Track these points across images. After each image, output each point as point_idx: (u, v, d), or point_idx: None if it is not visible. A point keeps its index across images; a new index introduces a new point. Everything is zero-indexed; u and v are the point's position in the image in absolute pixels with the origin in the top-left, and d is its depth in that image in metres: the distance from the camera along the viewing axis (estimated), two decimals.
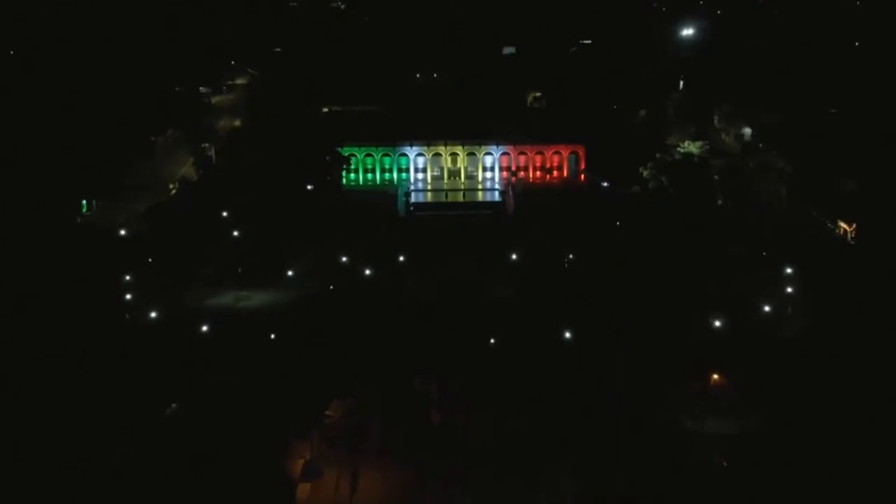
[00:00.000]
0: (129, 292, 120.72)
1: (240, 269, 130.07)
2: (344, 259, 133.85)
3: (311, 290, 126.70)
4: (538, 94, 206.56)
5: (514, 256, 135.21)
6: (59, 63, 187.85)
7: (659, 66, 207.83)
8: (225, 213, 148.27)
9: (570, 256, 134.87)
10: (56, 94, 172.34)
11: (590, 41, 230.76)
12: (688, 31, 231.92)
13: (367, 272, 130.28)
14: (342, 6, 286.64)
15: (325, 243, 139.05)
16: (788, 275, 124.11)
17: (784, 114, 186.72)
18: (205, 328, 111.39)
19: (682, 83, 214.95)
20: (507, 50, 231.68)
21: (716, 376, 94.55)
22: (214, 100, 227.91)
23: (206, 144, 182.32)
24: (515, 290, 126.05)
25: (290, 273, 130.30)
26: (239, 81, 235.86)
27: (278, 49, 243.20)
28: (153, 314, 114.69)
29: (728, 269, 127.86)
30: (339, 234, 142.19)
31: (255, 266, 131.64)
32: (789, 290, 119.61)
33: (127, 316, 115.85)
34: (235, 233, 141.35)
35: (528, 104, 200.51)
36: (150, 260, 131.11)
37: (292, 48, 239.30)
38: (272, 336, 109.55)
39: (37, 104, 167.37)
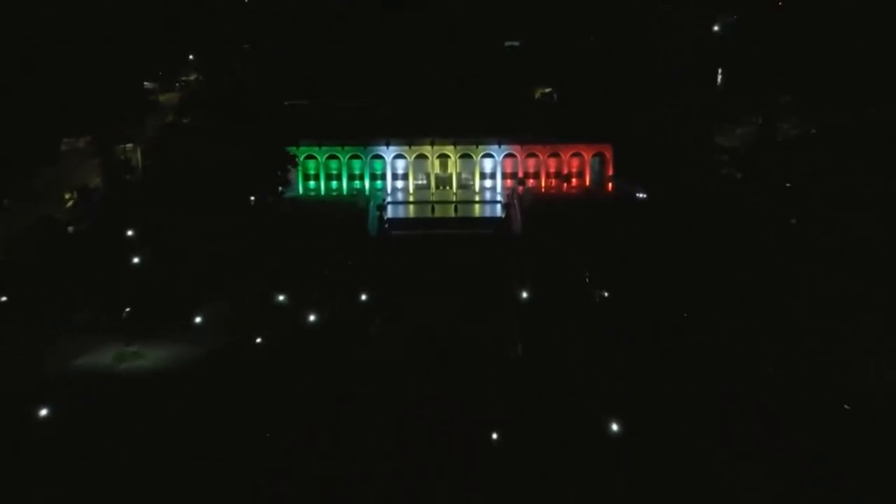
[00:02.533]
0: None
1: (126, 312, 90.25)
2: (282, 297, 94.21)
3: (230, 343, 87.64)
4: (547, 90, 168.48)
5: (523, 293, 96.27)
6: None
7: (695, 54, 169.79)
8: (131, 232, 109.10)
9: (603, 293, 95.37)
10: None
11: (611, 27, 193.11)
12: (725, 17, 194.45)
13: (313, 317, 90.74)
14: None
15: (259, 274, 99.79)
16: None
17: (853, 111, 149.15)
18: (45, 412, 71.71)
19: (720, 75, 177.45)
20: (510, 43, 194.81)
21: None
22: (163, 97, 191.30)
23: (130, 145, 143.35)
24: (526, 343, 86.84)
25: (198, 319, 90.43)
26: (194, 77, 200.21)
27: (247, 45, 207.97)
28: None
29: (830, 309, 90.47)
30: (279, 261, 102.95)
31: (154, 307, 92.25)
32: None
33: None
34: (136, 259, 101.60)
35: (537, 97, 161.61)
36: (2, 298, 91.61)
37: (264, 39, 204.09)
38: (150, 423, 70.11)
39: None
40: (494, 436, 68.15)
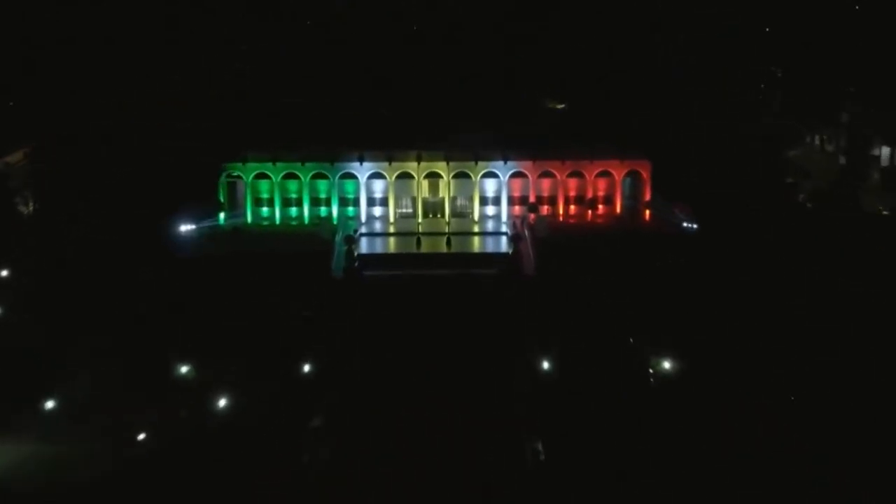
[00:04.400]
0: None
1: None
2: (185, 370, 64.30)
3: (96, 442, 57.96)
4: (560, 105, 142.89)
5: (543, 363, 66.81)
6: None
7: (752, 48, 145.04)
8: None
9: (664, 365, 65.67)
10: None
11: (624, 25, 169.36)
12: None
13: (225, 401, 60.92)
14: None
15: (160, 336, 70.19)
16: None
17: None
18: None
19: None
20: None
21: None
22: None
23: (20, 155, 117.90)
24: (546, 443, 57.63)
25: (52, 403, 60.64)
26: None
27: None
28: None
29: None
30: (196, 314, 73.39)
31: None
32: None
33: None
34: None
35: (549, 104, 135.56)
36: None
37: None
38: None
39: None
40: None
